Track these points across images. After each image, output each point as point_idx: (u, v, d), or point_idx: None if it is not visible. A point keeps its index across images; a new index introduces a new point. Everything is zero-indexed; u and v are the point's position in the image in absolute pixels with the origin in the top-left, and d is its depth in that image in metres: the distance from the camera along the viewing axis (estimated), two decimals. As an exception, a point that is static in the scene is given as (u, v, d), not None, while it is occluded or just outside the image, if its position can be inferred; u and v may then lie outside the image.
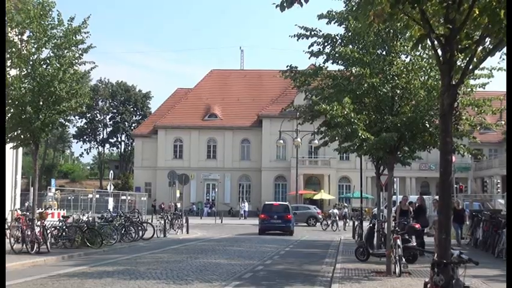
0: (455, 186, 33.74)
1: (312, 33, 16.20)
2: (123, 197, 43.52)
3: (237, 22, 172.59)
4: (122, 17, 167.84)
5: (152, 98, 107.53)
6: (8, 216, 23.06)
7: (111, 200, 39.12)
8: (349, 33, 16.09)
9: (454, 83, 8.03)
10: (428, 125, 15.04)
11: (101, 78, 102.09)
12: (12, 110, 19.65)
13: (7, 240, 19.61)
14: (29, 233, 19.49)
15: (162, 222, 31.05)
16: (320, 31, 16.25)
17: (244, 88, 75.23)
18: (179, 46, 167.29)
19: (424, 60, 15.44)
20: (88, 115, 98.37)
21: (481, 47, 8.16)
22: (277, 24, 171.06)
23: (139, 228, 26.96)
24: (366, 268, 16.49)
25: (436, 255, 7.77)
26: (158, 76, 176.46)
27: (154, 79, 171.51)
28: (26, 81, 20.21)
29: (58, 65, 20.05)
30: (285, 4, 7.46)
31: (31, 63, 19.94)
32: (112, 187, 44.21)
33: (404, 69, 15.35)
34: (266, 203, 41.47)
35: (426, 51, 13.84)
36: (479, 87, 16.02)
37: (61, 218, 23.27)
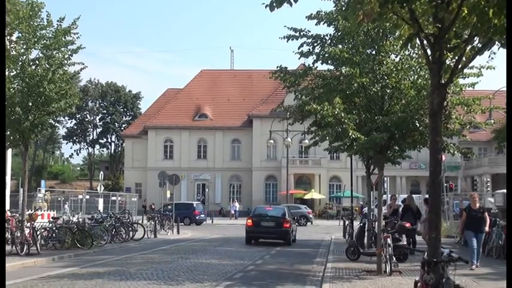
0: (445, 185, 33.78)
1: (301, 33, 16.21)
2: (114, 198, 43.32)
3: (227, 23, 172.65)
4: (112, 18, 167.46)
5: (142, 98, 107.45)
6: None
7: (101, 201, 38.93)
8: (339, 33, 16.11)
9: (443, 82, 8.06)
10: (418, 124, 15.08)
11: (91, 79, 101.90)
12: (1, 111, 19.57)
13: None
14: (19, 234, 19.37)
15: (153, 222, 30.99)
16: (309, 31, 16.27)
17: (234, 88, 75.10)
18: (169, 47, 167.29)
19: (414, 59, 15.48)
20: (78, 116, 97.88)
21: (469, 46, 8.19)
22: (267, 24, 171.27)
23: (130, 229, 26.90)
24: (357, 267, 16.51)
25: (426, 254, 7.80)
26: (148, 77, 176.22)
27: (144, 80, 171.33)
28: (15, 81, 20.13)
29: (47, 65, 19.98)
30: (274, 4, 7.46)
31: (20, 63, 19.87)
32: (102, 188, 44.03)
33: (394, 69, 15.40)
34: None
35: (415, 51, 13.86)
36: (468, 87, 16.08)
37: (51, 219, 23.16)
